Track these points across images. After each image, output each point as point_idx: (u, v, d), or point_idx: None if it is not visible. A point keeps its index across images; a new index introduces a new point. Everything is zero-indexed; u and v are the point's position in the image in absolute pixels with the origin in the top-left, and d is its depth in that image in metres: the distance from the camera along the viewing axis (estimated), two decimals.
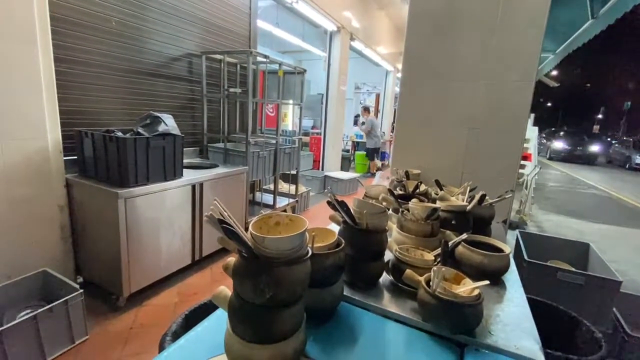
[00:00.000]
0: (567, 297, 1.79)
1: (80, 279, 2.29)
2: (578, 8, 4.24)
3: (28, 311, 1.73)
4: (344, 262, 0.89)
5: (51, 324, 1.67)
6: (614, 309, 1.79)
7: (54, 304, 1.66)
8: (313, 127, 7.89)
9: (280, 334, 0.65)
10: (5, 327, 1.48)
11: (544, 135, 17.99)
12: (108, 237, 2.02)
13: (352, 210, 1.04)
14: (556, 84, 10.17)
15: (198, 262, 2.69)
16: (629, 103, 26.10)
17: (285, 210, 4.01)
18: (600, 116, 30.72)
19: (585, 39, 5.00)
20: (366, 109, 7.57)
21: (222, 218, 0.61)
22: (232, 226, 0.60)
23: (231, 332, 0.68)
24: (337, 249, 0.87)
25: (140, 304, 2.19)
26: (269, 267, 0.62)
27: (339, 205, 1.01)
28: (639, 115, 25.96)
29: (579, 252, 2.21)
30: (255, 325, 0.65)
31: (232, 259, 0.72)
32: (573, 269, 1.83)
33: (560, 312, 1.54)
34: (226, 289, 0.75)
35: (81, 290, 1.79)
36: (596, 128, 25.80)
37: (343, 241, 0.92)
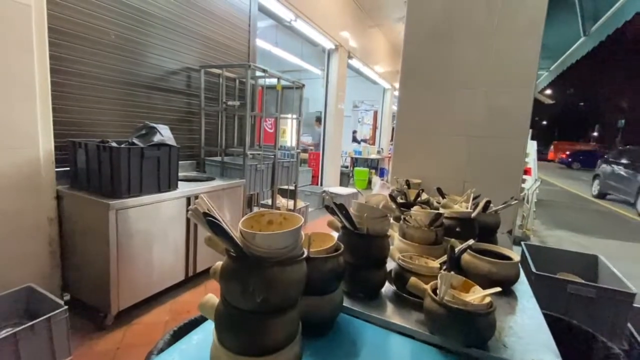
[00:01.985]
0: (578, 311, 1.70)
1: (67, 296, 2.18)
2: (570, 25, 4.35)
3: (9, 329, 1.63)
4: (343, 268, 0.83)
5: (32, 343, 1.56)
6: (629, 325, 1.69)
7: (35, 321, 1.56)
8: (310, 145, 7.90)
9: (272, 345, 0.58)
10: None
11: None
12: (97, 250, 1.94)
13: (351, 215, 0.98)
14: (551, 101, 10.31)
15: (192, 279, 2.59)
16: (623, 121, 26.51)
17: None
18: (595, 133, 31.11)
19: (578, 56, 5.10)
20: (318, 119, 7.53)
21: (207, 212, 0.55)
22: (218, 220, 0.54)
23: (217, 344, 0.61)
24: (336, 253, 0.80)
25: (129, 323, 2.07)
26: (259, 267, 0.56)
27: (337, 209, 0.95)
28: (633, 131, 26.28)
29: (588, 264, 2.12)
30: (244, 335, 0.58)
31: (220, 263, 0.65)
32: (584, 282, 1.75)
33: (573, 327, 1.45)
34: (214, 297, 0.69)
35: (65, 307, 1.68)
36: (592, 145, 26.07)
37: (342, 246, 0.86)
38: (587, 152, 21.53)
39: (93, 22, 2.26)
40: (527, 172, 5.20)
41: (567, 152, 21.76)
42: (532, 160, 5.16)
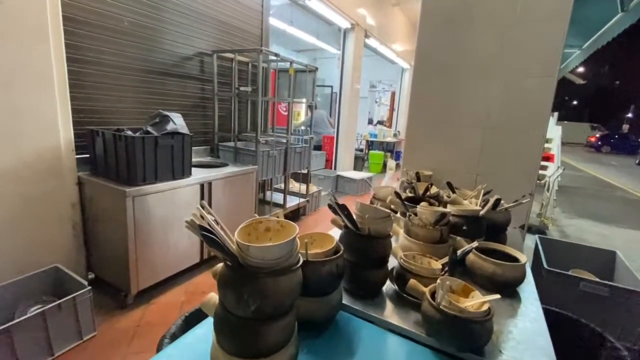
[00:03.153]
0: (590, 309, 1.67)
1: (92, 276, 2.33)
2: (607, 1, 4.01)
3: (39, 306, 1.76)
4: (342, 270, 0.84)
5: (59, 319, 1.69)
6: None
7: (61, 300, 1.69)
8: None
9: (266, 349, 0.61)
10: (13, 322, 1.50)
11: None
12: (117, 235, 2.04)
13: (353, 215, 0.99)
14: (582, 81, 9.69)
15: (206, 261, 2.69)
16: None
17: (298, 210, 3.98)
18: (630, 115, 29.18)
19: (614, 34, 4.73)
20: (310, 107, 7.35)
21: (202, 224, 0.57)
22: (213, 233, 0.56)
23: (216, 344, 0.64)
24: (334, 256, 0.81)
25: (147, 302, 2.20)
26: (253, 278, 0.58)
27: (339, 209, 0.96)
28: None
29: (605, 260, 2.06)
30: (239, 339, 0.60)
31: (220, 265, 0.68)
32: (597, 279, 1.71)
33: (582, 326, 1.43)
34: (216, 296, 0.72)
35: (89, 287, 1.80)
36: (625, 127, 24.53)
37: (342, 247, 0.87)
38: (619, 136, 20.32)
39: (107, 9, 2.27)
40: (549, 158, 5.00)
41: (597, 135, 20.58)
42: (555, 146, 4.94)
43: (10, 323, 1.50)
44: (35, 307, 1.76)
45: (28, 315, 1.59)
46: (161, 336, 1.17)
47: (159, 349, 1.08)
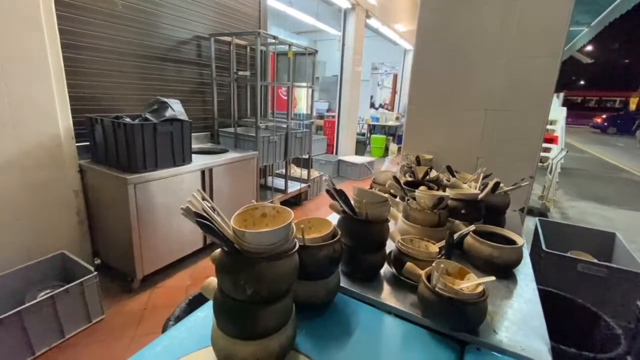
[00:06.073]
0: (588, 290, 1.69)
1: (98, 261, 2.38)
2: None
3: (48, 291, 1.82)
4: (339, 254, 0.85)
5: (68, 304, 1.75)
6: (638, 303, 1.68)
7: (69, 285, 1.73)
8: (328, 110, 7.75)
9: (264, 331, 0.63)
10: (24, 306, 1.56)
11: None
12: (120, 221, 2.07)
13: (351, 200, 0.99)
14: (590, 60, 9.45)
15: (210, 246, 2.74)
16: None
17: (300, 195, 4.00)
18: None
19: (623, 10, 4.57)
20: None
21: (197, 211, 0.57)
22: (208, 220, 0.57)
23: (216, 326, 0.66)
24: (331, 241, 0.82)
25: (153, 286, 2.26)
26: (250, 263, 0.59)
27: (337, 194, 0.96)
28: None
29: (604, 242, 2.07)
30: (237, 322, 0.62)
31: (219, 251, 0.69)
32: (595, 260, 1.72)
33: (579, 306, 1.46)
34: (215, 281, 0.73)
35: (95, 273, 1.85)
36: (633, 107, 24.05)
37: (339, 232, 0.88)
38: (626, 116, 19.92)
39: None
40: (553, 140, 4.94)
41: (604, 116, 20.19)
42: (559, 128, 4.88)
43: (21, 307, 1.55)
44: (44, 292, 1.81)
45: (37, 299, 1.63)
46: (165, 319, 1.21)
47: (164, 330, 1.12)
